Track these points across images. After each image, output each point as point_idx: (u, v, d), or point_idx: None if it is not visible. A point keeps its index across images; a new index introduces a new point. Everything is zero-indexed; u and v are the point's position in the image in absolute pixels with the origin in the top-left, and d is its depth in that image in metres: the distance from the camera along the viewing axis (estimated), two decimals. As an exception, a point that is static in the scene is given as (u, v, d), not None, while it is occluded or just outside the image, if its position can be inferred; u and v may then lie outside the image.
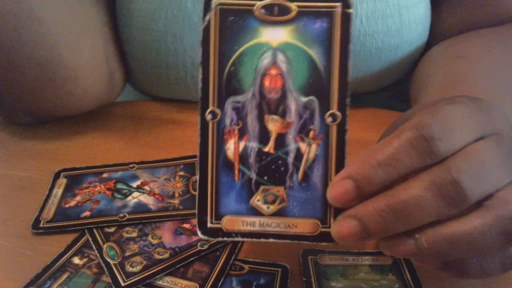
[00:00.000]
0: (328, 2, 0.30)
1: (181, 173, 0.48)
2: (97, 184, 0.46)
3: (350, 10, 0.30)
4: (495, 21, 0.58)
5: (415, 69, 0.59)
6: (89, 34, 0.53)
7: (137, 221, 0.42)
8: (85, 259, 0.39)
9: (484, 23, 0.58)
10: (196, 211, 0.31)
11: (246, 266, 0.38)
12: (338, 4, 0.30)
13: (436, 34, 0.60)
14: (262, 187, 0.31)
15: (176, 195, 0.45)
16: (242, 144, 0.31)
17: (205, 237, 0.31)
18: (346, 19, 0.30)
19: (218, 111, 0.31)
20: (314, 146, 0.31)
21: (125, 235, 0.41)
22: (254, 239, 0.31)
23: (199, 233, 0.31)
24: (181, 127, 0.56)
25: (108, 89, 0.56)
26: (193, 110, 0.57)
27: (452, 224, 0.27)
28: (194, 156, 0.49)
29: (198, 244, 0.39)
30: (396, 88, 0.65)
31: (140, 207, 0.43)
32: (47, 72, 0.49)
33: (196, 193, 0.31)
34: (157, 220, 0.42)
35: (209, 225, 0.31)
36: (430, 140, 0.27)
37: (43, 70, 0.48)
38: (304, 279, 0.36)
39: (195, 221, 0.42)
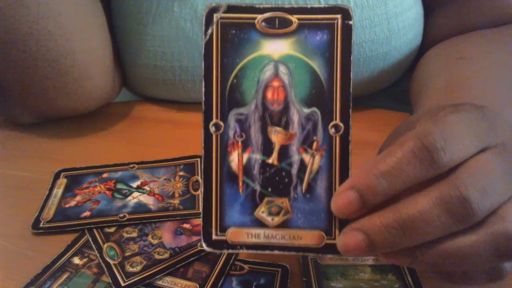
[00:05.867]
0: (328, 14, 0.30)
1: (181, 173, 0.48)
2: (97, 184, 0.46)
3: (351, 22, 0.30)
4: (493, 23, 0.58)
5: (414, 71, 0.59)
6: (99, 34, 0.53)
7: (137, 221, 0.42)
8: (85, 259, 0.39)
9: (482, 26, 0.58)
10: (201, 223, 0.31)
11: (246, 266, 0.38)
12: (338, 16, 0.30)
13: (433, 39, 0.60)
14: (266, 199, 0.31)
15: (176, 195, 0.45)
16: (245, 156, 0.31)
17: (210, 250, 0.31)
18: (347, 30, 0.30)
19: (221, 123, 0.31)
20: (317, 157, 0.31)
21: (125, 235, 0.41)
22: (259, 251, 0.31)
23: (204, 245, 0.31)
24: (181, 127, 0.56)
25: (111, 90, 0.57)
26: (193, 111, 0.58)
27: (447, 239, 0.27)
28: (194, 156, 0.49)
29: (198, 244, 0.39)
30: (393, 89, 0.65)
31: (140, 207, 0.43)
32: (58, 70, 0.49)
33: (201, 206, 0.31)
34: (157, 220, 0.42)
35: (214, 237, 0.31)
36: (433, 151, 0.27)
37: (55, 68, 0.49)
38: (304, 279, 0.36)
39: (195, 221, 0.42)
